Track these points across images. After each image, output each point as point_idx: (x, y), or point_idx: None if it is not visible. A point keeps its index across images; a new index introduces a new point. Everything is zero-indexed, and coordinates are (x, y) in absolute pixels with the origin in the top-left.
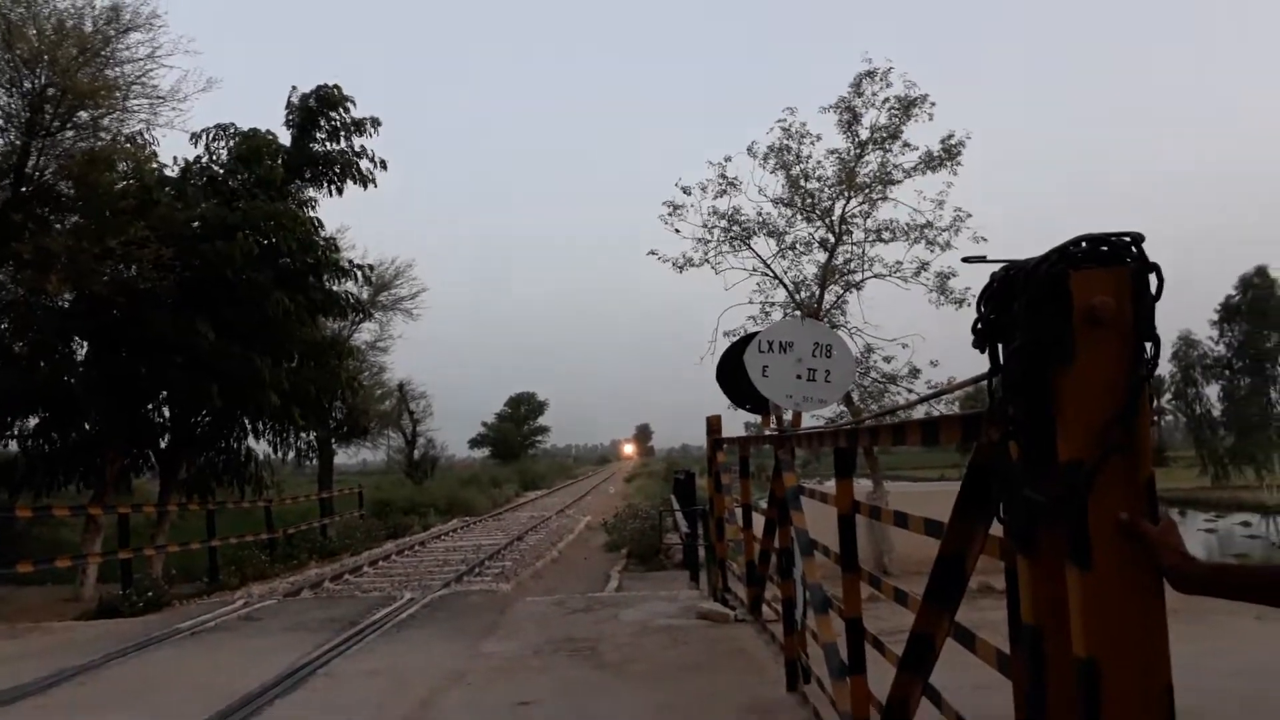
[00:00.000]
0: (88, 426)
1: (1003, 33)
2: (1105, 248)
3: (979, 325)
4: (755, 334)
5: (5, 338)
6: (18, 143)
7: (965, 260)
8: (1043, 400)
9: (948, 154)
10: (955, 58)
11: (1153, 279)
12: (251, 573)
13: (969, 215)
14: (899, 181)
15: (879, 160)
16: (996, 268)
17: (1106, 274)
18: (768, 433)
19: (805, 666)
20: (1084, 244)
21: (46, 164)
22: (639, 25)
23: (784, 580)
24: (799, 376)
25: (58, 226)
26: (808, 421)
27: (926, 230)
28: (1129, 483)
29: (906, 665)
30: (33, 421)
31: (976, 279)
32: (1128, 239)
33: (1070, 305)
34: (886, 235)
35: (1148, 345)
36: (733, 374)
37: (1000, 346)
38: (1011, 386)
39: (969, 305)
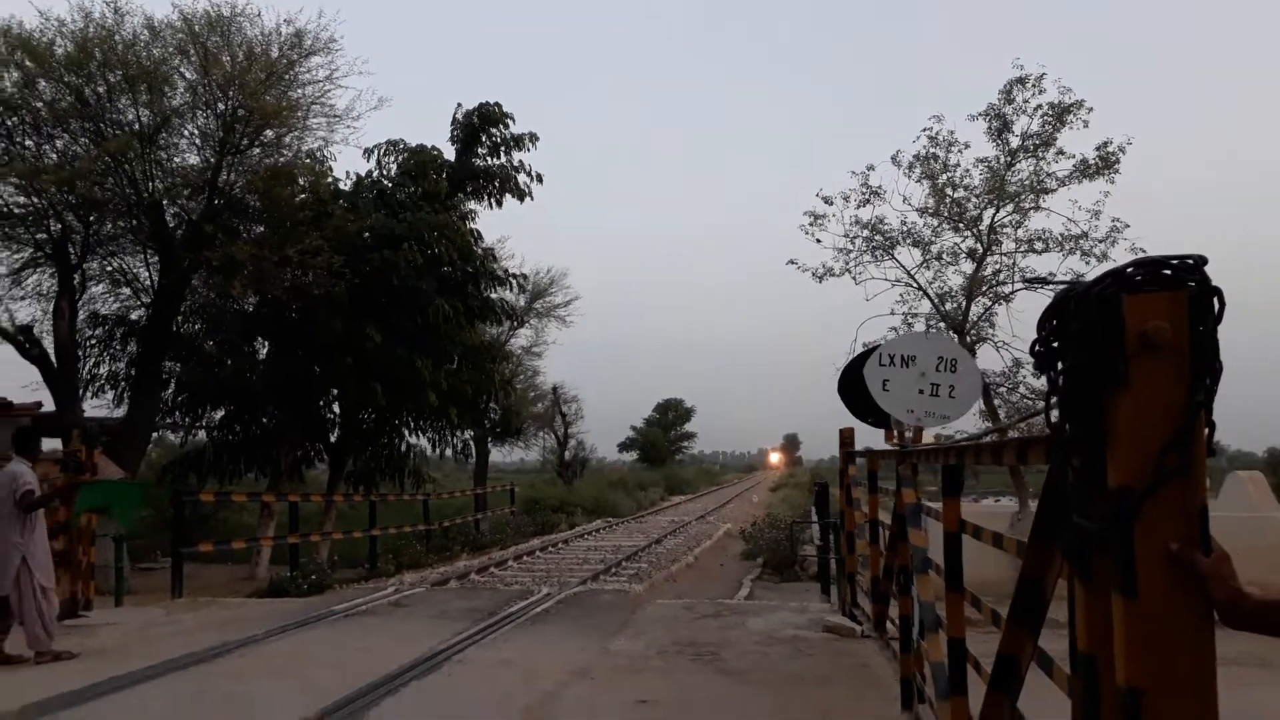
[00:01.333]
0: (266, 420)
1: (1174, 30)
2: (1166, 271)
3: (1037, 348)
4: (876, 347)
5: (197, 337)
6: (212, 159)
7: (1026, 281)
8: (1095, 424)
9: (1104, 162)
10: (1120, 59)
11: (1215, 303)
12: (407, 561)
13: (1126, 225)
14: (1052, 190)
15: (1031, 168)
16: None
17: (1164, 298)
18: (888, 448)
19: (920, 686)
20: (1143, 267)
21: (236, 179)
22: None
23: (903, 597)
24: (921, 391)
25: (244, 236)
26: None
27: (1081, 241)
28: (1181, 511)
29: (995, 686)
30: (219, 414)
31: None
32: (1190, 262)
33: (1123, 329)
34: (1039, 246)
35: (1207, 371)
36: (855, 387)
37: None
38: (1063, 410)
39: None
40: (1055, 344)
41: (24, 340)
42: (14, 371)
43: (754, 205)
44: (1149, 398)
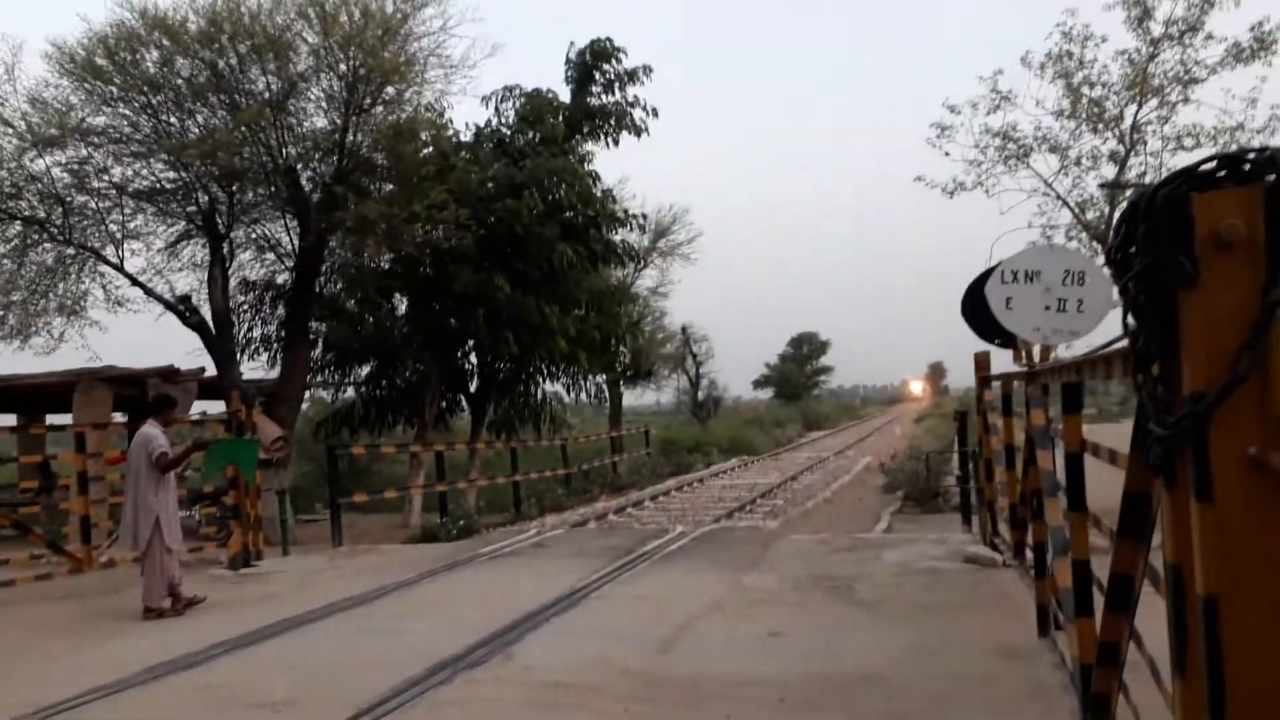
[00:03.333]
0: (409, 374)
1: None
2: (1243, 166)
3: (1113, 254)
4: (998, 265)
5: (339, 297)
6: (338, 121)
7: (1102, 186)
8: (1167, 329)
9: (1259, 44)
10: None
11: None
12: (549, 504)
13: None
14: (1202, 80)
15: (1176, 57)
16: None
17: (1236, 194)
18: (1015, 369)
19: (1056, 612)
20: (1216, 162)
21: (362, 139)
22: None
23: (1036, 522)
24: (1048, 307)
25: (373, 195)
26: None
27: (1237, 133)
28: (1258, 415)
29: (1110, 606)
30: (365, 370)
31: None
32: (1268, 155)
33: (1191, 229)
34: (1189, 142)
35: None
36: (979, 307)
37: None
38: (1135, 315)
39: None
40: (1129, 249)
41: (184, 309)
42: (177, 340)
43: (883, 119)
44: (1220, 298)
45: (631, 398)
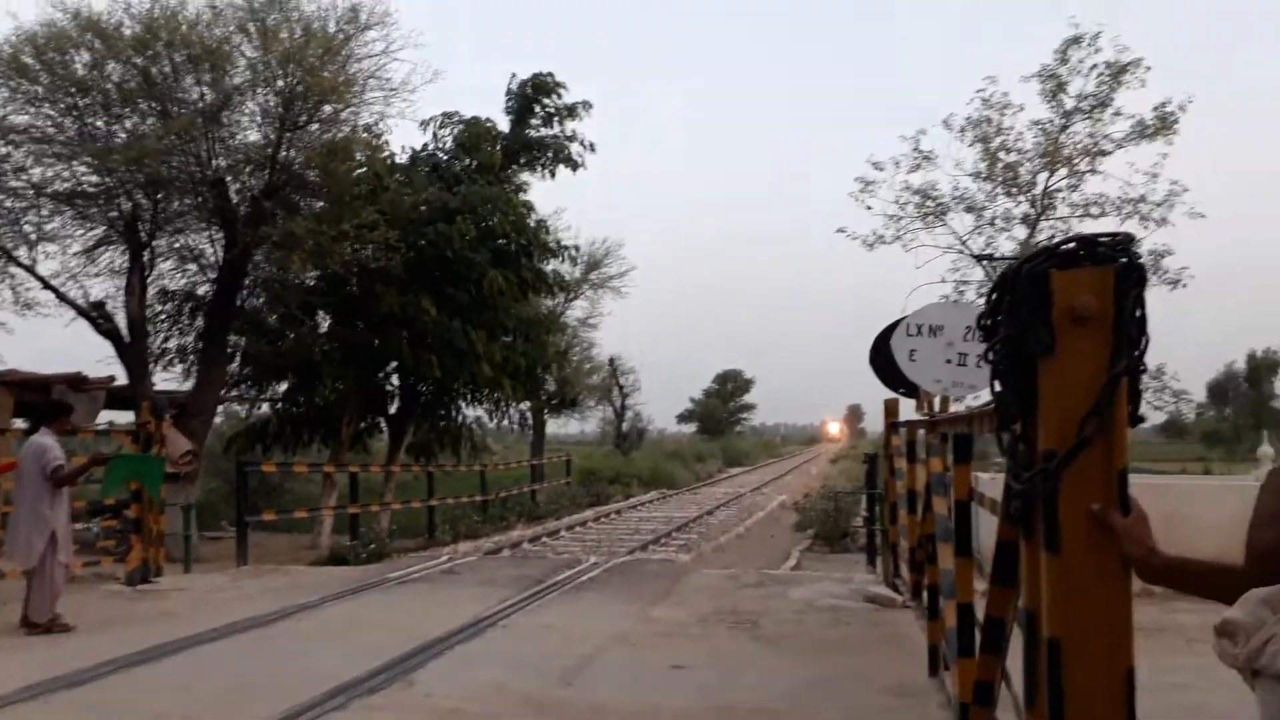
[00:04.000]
0: (328, 392)
1: None
2: (1098, 248)
3: (983, 321)
4: (903, 318)
5: (261, 311)
6: (272, 136)
7: (975, 258)
8: (1027, 393)
9: (1162, 123)
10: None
11: (1140, 279)
12: (464, 531)
13: (1185, 189)
14: (1109, 153)
15: (1086, 130)
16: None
17: (1091, 274)
18: (918, 417)
19: (945, 652)
20: (1076, 243)
21: (295, 155)
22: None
23: (931, 566)
24: (949, 361)
25: (303, 212)
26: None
27: (1139, 205)
28: (1102, 474)
29: (984, 648)
30: (282, 386)
31: (1191, 258)
32: (1119, 241)
33: (1050, 303)
34: (1095, 210)
35: (1130, 343)
36: (885, 357)
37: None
38: (999, 379)
39: (1184, 286)
40: (996, 318)
41: (97, 316)
42: (88, 347)
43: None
44: (1073, 367)
45: (556, 426)
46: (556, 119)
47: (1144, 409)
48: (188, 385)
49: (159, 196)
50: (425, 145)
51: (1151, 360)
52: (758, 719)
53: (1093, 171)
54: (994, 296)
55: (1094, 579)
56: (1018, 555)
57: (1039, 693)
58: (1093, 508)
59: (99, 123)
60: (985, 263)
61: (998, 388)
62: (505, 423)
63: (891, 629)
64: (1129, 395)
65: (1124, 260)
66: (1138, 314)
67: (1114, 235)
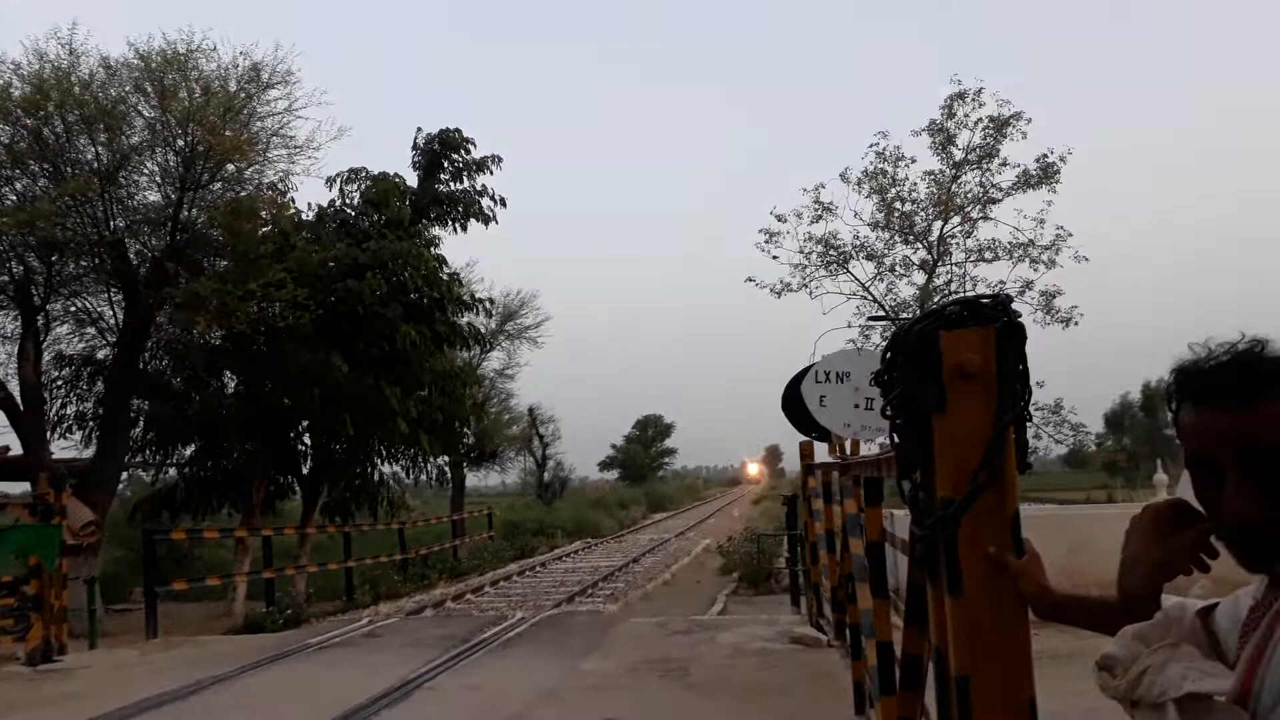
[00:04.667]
0: (236, 455)
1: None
2: (981, 309)
3: (881, 378)
4: (812, 366)
5: (164, 374)
6: (173, 196)
7: (870, 319)
8: (924, 445)
9: (1045, 173)
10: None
11: (1019, 336)
12: (385, 591)
13: (1070, 234)
14: (998, 201)
15: (976, 180)
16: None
17: (975, 333)
18: (832, 460)
19: (869, 690)
20: (960, 306)
21: (197, 215)
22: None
23: (851, 606)
24: (857, 406)
25: (207, 271)
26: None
27: (1029, 249)
28: (996, 518)
29: (903, 685)
30: (189, 450)
31: (1081, 297)
32: (999, 302)
33: (939, 361)
34: (988, 255)
35: (1013, 395)
36: (797, 402)
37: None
38: (897, 433)
39: (1076, 324)
40: (891, 375)
41: None
42: None
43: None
44: (963, 420)
45: (476, 479)
46: (466, 174)
47: (1045, 443)
48: (88, 452)
49: (53, 259)
50: (332, 202)
51: (1049, 396)
52: None
53: (984, 218)
54: (888, 355)
55: (994, 618)
56: (926, 596)
57: None
58: (989, 551)
59: None
60: (879, 322)
61: (896, 440)
62: (423, 478)
63: (818, 669)
64: (1016, 444)
65: (1005, 319)
66: (1020, 368)
67: (994, 296)
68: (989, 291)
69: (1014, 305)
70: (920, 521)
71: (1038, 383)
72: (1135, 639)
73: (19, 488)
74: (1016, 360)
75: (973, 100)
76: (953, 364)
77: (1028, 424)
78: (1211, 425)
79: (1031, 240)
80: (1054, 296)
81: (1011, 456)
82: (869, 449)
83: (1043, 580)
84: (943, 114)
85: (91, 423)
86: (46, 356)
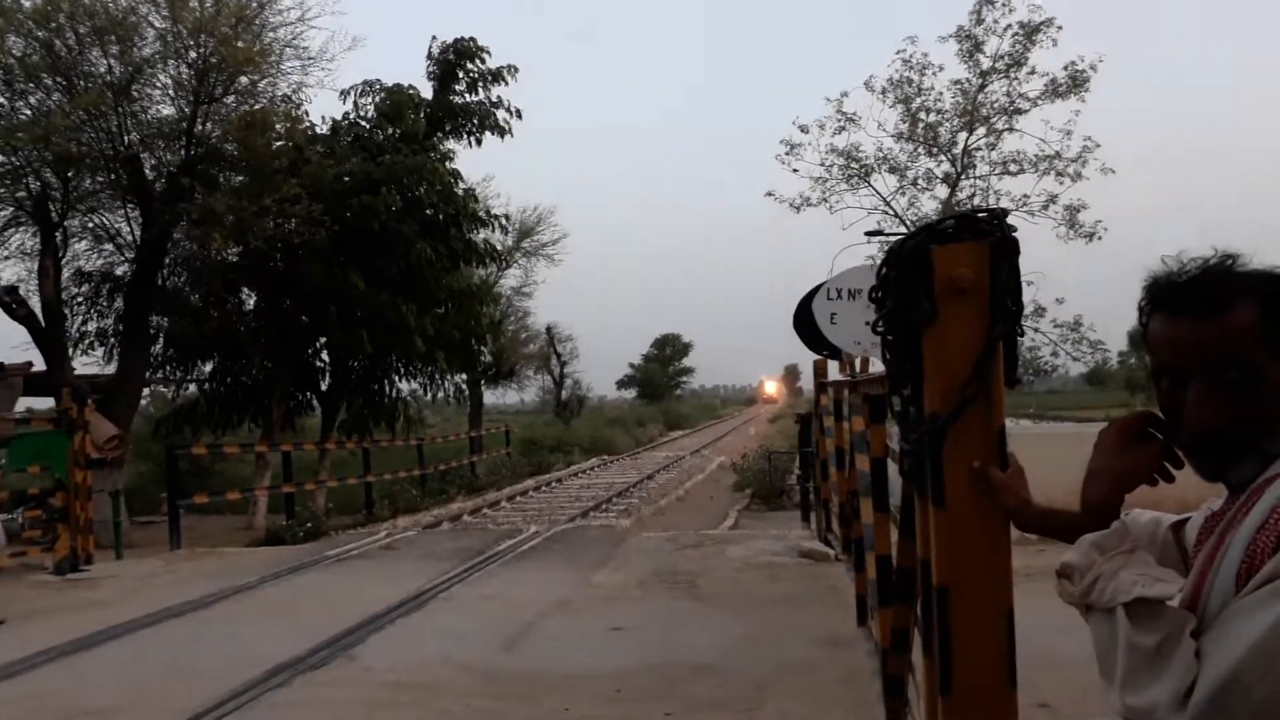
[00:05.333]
0: (256, 371)
1: None
2: (976, 224)
3: (874, 294)
4: (824, 283)
5: (183, 290)
6: (187, 110)
7: (867, 234)
8: (914, 360)
9: (1074, 81)
10: None
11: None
12: (403, 506)
13: (1098, 145)
14: (1025, 111)
15: (1003, 89)
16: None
17: (968, 248)
18: (841, 378)
19: (870, 602)
20: (955, 221)
21: (212, 129)
22: None
23: (856, 520)
24: (868, 323)
25: (222, 187)
26: None
27: (1055, 161)
28: (982, 433)
29: (900, 597)
30: (209, 366)
31: (1108, 210)
32: (994, 216)
33: (932, 276)
34: (1013, 168)
35: (1004, 310)
36: (809, 320)
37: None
38: (888, 348)
39: (1099, 239)
40: (885, 292)
41: (10, 300)
42: (2, 333)
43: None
44: (954, 334)
45: (494, 397)
46: (481, 84)
47: (1063, 360)
48: (110, 369)
49: (69, 174)
50: (346, 115)
51: (1068, 313)
52: (695, 675)
53: (1010, 130)
54: (883, 271)
55: (976, 530)
56: (914, 510)
57: (933, 635)
58: (974, 465)
59: (1, 99)
60: (875, 237)
61: (888, 356)
62: (441, 396)
63: (825, 582)
64: (1006, 359)
65: (999, 235)
66: (1013, 284)
67: (990, 211)
68: (1008, 206)
69: (1009, 220)
70: (908, 435)
71: (1058, 299)
72: (1093, 547)
73: (44, 403)
74: (1010, 275)
75: (1003, 5)
76: (945, 279)
77: (1023, 336)
78: (1179, 334)
79: (1058, 153)
80: (1079, 211)
81: (1000, 371)
82: (879, 367)
83: (1025, 494)
84: (971, 19)
85: (112, 339)
86: (66, 273)
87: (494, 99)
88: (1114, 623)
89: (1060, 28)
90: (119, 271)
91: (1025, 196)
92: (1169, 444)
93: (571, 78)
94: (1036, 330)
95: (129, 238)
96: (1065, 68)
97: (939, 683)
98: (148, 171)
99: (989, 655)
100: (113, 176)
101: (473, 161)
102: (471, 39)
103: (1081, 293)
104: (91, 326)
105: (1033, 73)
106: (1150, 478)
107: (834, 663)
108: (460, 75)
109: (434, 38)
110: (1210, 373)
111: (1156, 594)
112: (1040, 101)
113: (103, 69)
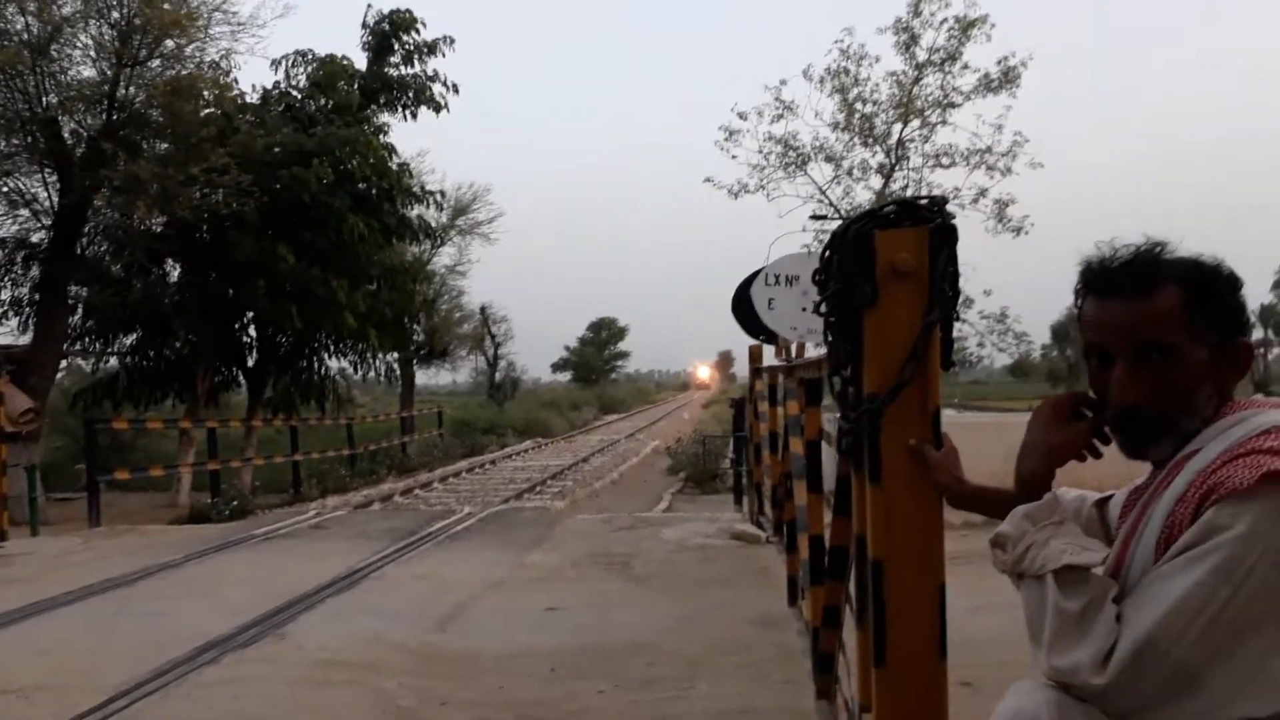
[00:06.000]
0: (180, 345)
1: None
2: (917, 210)
3: (817, 277)
4: (763, 268)
5: (104, 260)
6: (109, 72)
7: (812, 218)
8: (854, 342)
9: (1005, 76)
10: None
11: (951, 238)
12: (331, 486)
13: (1027, 140)
14: (958, 105)
15: (937, 83)
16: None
17: (909, 233)
18: (776, 363)
19: (801, 582)
20: (897, 207)
21: (135, 93)
22: None
23: (788, 503)
24: (804, 309)
25: (146, 154)
26: None
27: (985, 155)
28: (918, 413)
29: (831, 574)
30: (130, 339)
31: (1034, 207)
32: (935, 203)
33: (874, 260)
34: (945, 160)
35: (941, 295)
36: (746, 305)
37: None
38: (830, 329)
39: (1026, 234)
40: (828, 275)
41: None
42: None
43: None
44: (893, 317)
45: (426, 377)
46: (417, 57)
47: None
48: (25, 339)
49: None
50: (277, 84)
51: (994, 305)
52: (628, 654)
53: (943, 123)
54: (826, 255)
55: (911, 506)
56: (851, 487)
57: (867, 609)
58: (910, 443)
59: None
60: (817, 221)
61: (829, 338)
62: (372, 375)
63: (756, 563)
64: (942, 343)
65: (939, 221)
66: (950, 269)
67: (931, 198)
68: (925, 195)
69: (949, 208)
70: (847, 415)
71: (985, 291)
72: (1025, 518)
73: None
74: (948, 261)
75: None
76: (886, 262)
77: (955, 324)
78: (1107, 315)
79: (989, 147)
80: (1007, 205)
81: (936, 353)
82: (814, 352)
83: (958, 472)
84: (909, 12)
85: (28, 309)
86: None
87: (430, 72)
88: (1044, 589)
89: (994, 25)
90: (35, 238)
91: (956, 189)
92: (1098, 422)
93: (516, 53)
94: (964, 321)
95: (46, 204)
96: (998, 63)
97: (873, 654)
98: (66, 136)
99: (922, 627)
100: (29, 139)
101: (408, 135)
102: (408, 10)
103: (1007, 286)
104: (5, 295)
105: (966, 67)
106: (1081, 453)
107: (765, 641)
108: (395, 47)
109: (369, 5)
110: (1134, 352)
111: (1083, 561)
112: (973, 96)
113: (20, 26)
